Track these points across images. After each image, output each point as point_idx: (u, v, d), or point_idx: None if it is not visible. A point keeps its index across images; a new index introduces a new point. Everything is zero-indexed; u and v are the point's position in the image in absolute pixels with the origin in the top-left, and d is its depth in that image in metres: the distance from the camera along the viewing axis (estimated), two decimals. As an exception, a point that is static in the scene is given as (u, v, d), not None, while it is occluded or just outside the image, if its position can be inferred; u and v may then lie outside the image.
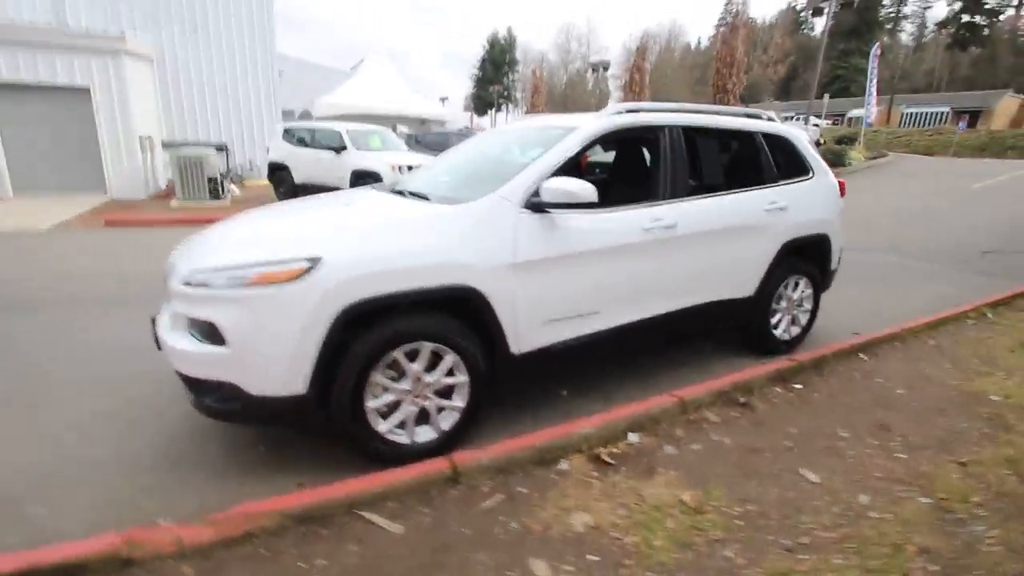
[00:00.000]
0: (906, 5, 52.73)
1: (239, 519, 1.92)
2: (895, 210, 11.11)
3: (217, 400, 2.20)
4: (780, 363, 3.37)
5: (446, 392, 2.46)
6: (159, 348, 2.59)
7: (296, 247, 2.16)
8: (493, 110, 64.30)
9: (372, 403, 2.28)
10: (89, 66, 11.29)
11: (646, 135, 3.03)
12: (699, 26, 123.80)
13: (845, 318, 4.46)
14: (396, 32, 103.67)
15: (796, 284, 3.68)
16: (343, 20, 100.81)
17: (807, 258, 3.70)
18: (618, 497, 2.21)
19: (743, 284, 3.39)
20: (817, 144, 14.64)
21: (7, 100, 10.90)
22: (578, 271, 2.68)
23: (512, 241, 2.47)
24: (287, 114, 17.24)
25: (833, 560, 1.88)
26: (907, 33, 56.38)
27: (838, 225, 3.86)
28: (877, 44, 18.59)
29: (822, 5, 17.06)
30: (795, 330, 3.81)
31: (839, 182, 3.89)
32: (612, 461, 2.43)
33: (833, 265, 3.93)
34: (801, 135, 3.77)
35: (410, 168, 9.83)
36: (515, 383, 2.92)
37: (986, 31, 46.34)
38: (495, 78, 64.31)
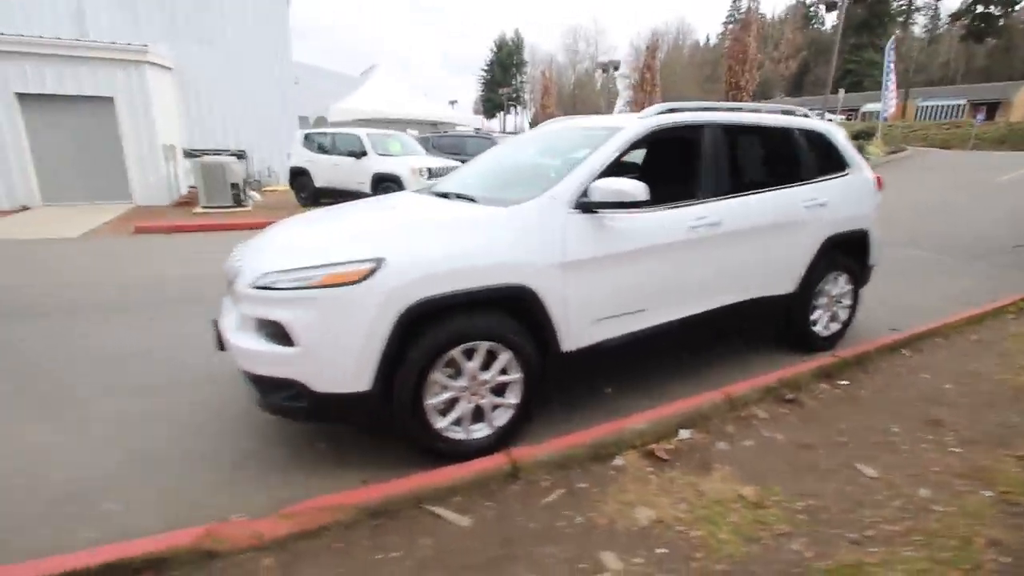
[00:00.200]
0: (919, -3, 52.10)
1: (313, 513, 1.98)
2: (919, 205, 10.99)
3: (284, 398, 2.25)
4: (823, 360, 3.37)
5: (500, 389, 2.50)
6: (221, 349, 2.66)
7: (361, 249, 2.21)
8: (503, 113, 64.52)
9: (431, 400, 2.32)
10: (113, 77, 11.53)
11: (687, 134, 3.05)
12: (707, 24, 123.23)
13: (881, 313, 4.44)
14: (397, 33, 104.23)
15: (836, 280, 3.68)
16: (343, 21, 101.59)
17: (847, 254, 3.69)
18: (677, 492, 2.23)
19: (784, 281, 3.39)
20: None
21: (36, 111, 11.17)
22: (625, 270, 2.71)
23: (562, 241, 2.50)
24: (301, 120, 17.43)
25: (902, 552, 1.89)
26: (919, 26, 55.66)
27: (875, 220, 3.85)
28: (893, 37, 18.39)
29: None
30: (835, 326, 3.80)
31: (876, 177, 3.88)
32: (667, 457, 2.45)
33: (872, 260, 3.91)
34: (838, 131, 3.76)
35: (430, 171, 9.91)
36: (563, 381, 2.94)
37: (1001, 21, 45.53)
38: (503, 80, 64.53)
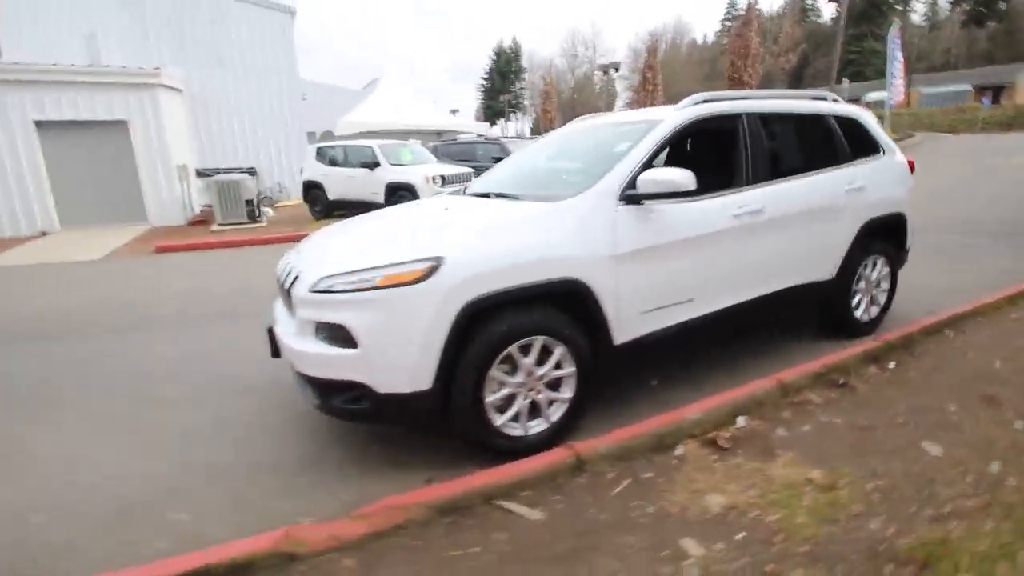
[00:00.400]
0: (917, -15, 51.96)
1: (387, 512, 1.98)
2: (937, 189, 10.90)
3: (345, 401, 2.26)
4: (868, 344, 3.34)
5: (554, 384, 2.50)
6: (276, 356, 2.68)
7: (418, 249, 2.23)
8: (503, 120, 64.81)
9: (490, 397, 2.33)
10: (127, 100, 11.72)
11: (724, 123, 3.06)
12: (704, 21, 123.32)
13: (916, 296, 4.40)
14: (400, 42, 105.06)
15: (874, 264, 3.65)
16: (346, 32, 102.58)
17: (884, 238, 3.67)
18: (745, 478, 2.21)
19: (825, 266, 3.38)
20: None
21: (53, 138, 11.35)
22: (672, 260, 2.71)
23: (612, 233, 2.51)
24: (308, 136, 17.63)
25: (984, 526, 1.86)
26: (919, 13, 55.45)
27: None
28: (896, 24, 18.33)
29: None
30: (874, 311, 3.77)
31: (908, 160, 3.86)
32: (728, 445, 2.44)
33: (907, 243, 3.89)
34: (868, 115, 3.76)
35: (444, 178, 9.98)
36: (614, 374, 2.94)
37: (1003, 5, 45.34)
38: (503, 88, 64.89)
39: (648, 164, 2.69)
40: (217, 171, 12.67)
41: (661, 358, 3.36)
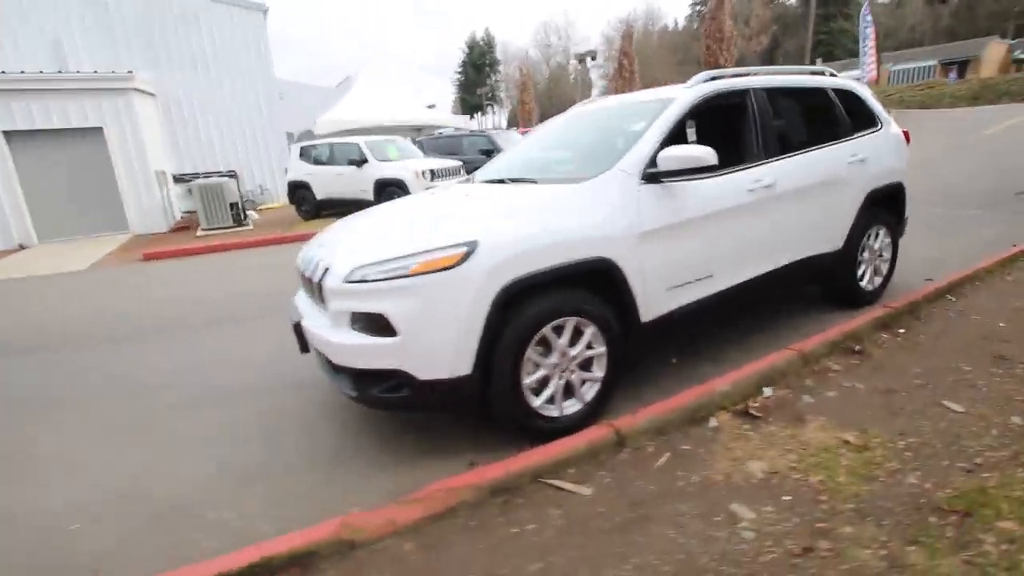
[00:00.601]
0: (880, -36, 52.73)
1: (440, 496, 2.00)
2: (916, 161, 11.15)
3: (384, 390, 2.26)
4: (876, 312, 3.44)
5: (586, 364, 2.53)
6: (304, 351, 2.67)
7: (451, 234, 2.23)
8: (480, 113, 64.44)
9: (526, 380, 2.35)
10: (100, 106, 11.40)
11: (734, 99, 3.10)
12: (673, 7, 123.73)
13: (910, 266, 4.52)
14: (376, 31, 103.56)
15: (877, 234, 3.75)
16: (344, 25, 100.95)
17: (885, 208, 3.77)
18: (780, 444, 2.28)
19: (833, 238, 3.46)
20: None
21: (24, 148, 11.01)
22: (693, 236, 2.75)
23: (637, 211, 2.54)
24: (287, 136, 17.33)
25: (1017, 474, 1.95)
26: (883, -8, 56.33)
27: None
28: (867, 3, 18.64)
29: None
30: (877, 280, 3.87)
31: (903, 131, 3.96)
32: (758, 414, 2.50)
33: (905, 213, 4.00)
34: (865, 88, 3.84)
35: (433, 172, 9.92)
36: (641, 351, 2.97)
37: (964, -19, 46.36)
38: (478, 80, 64.42)
39: (666, 142, 2.72)
40: (196, 176, 12.42)
41: (675, 337, 3.42)
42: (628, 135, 2.83)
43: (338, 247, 2.55)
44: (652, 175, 2.60)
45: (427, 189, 8.93)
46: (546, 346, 2.39)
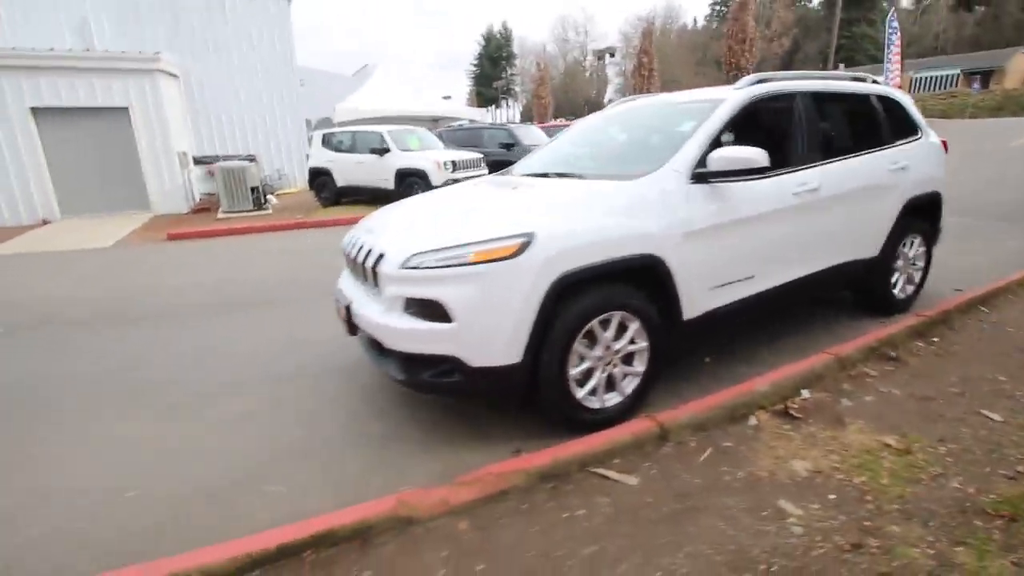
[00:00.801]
0: (906, -31, 52.06)
1: (492, 479, 2.05)
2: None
3: (433, 375, 2.32)
4: (910, 320, 3.45)
5: (628, 358, 2.58)
6: (352, 334, 2.73)
7: (509, 225, 2.28)
8: (494, 106, 64.28)
9: (572, 371, 2.40)
10: (127, 86, 11.50)
11: (782, 102, 3.12)
12: (693, 6, 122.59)
13: (941, 275, 4.52)
14: (391, 29, 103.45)
15: (912, 243, 3.76)
16: (346, 25, 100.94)
17: (922, 217, 3.77)
18: (823, 445, 2.32)
19: (871, 244, 3.48)
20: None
21: (51, 125, 11.14)
22: (738, 237, 2.78)
23: (685, 210, 2.58)
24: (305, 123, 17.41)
25: (1061, 484, 1.98)
26: (908, -2, 55.58)
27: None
28: (893, 9, 18.43)
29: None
30: (910, 288, 3.88)
31: (942, 141, 3.96)
32: (798, 415, 2.54)
33: (940, 222, 4.00)
34: (907, 96, 3.84)
35: (454, 164, 9.96)
36: (683, 348, 3.00)
37: (991, -11, 45.66)
38: (493, 74, 64.25)
39: (716, 143, 2.75)
40: (216, 158, 12.52)
41: (717, 335, 3.45)
42: (676, 134, 2.85)
43: (390, 233, 2.60)
44: (701, 175, 2.63)
45: (452, 181, 8.97)
46: (591, 339, 2.44)
